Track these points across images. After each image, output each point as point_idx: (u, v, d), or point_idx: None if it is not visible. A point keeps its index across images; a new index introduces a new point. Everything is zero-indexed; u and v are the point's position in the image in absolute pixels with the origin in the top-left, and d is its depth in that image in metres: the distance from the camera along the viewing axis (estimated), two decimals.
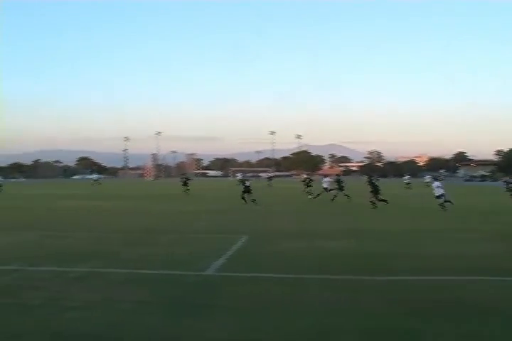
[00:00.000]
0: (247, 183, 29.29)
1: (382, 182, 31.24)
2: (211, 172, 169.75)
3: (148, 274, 9.38)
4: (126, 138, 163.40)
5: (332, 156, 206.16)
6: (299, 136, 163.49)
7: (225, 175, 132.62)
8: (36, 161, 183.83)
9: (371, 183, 26.27)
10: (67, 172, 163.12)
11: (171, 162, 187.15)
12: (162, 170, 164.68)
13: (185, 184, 40.81)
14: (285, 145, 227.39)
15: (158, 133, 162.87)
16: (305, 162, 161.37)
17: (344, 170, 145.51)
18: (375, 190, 25.85)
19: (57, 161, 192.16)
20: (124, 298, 7.58)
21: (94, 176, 76.80)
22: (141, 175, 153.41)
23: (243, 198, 28.79)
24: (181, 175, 43.93)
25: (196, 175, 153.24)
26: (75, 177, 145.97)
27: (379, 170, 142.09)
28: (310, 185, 36.75)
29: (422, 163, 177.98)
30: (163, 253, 11.73)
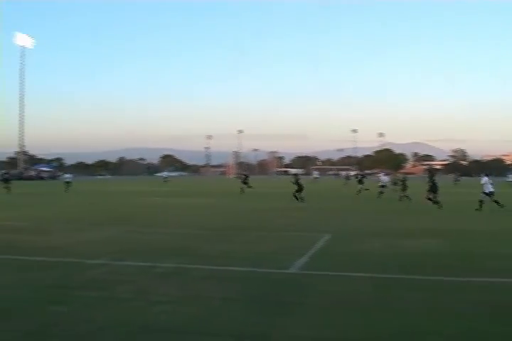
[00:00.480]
0: (299, 181, 29.24)
1: (466, 181, 30.14)
2: (292, 170, 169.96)
3: (232, 271, 9.44)
4: (209, 136, 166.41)
5: (415, 155, 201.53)
6: (381, 134, 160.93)
7: (306, 173, 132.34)
8: (121, 159, 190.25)
9: (431, 181, 25.23)
10: (150, 169, 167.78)
11: (253, 160, 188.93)
12: (244, 167, 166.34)
13: (244, 182, 40.60)
14: (367, 143, 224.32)
15: (240, 131, 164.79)
16: (387, 161, 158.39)
17: (427, 169, 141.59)
18: (433, 189, 24.84)
19: (142, 159, 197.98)
20: (210, 294, 7.66)
21: (164, 174, 78.84)
22: (223, 173, 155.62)
23: (295, 196, 28.78)
24: (240, 173, 43.18)
25: (277, 173, 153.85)
26: (157, 174, 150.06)
27: (463, 169, 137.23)
28: (362, 182, 36.81)
29: (509, 162, 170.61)
30: (246, 250, 11.81)
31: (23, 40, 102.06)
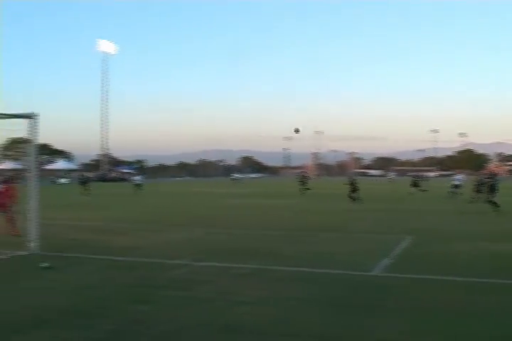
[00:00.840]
0: (355, 182, 29.16)
1: None
2: (371, 172, 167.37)
3: (310, 272, 9.38)
4: (288, 138, 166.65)
5: (499, 155, 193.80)
6: (462, 134, 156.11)
7: (385, 175, 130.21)
8: (200, 160, 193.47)
9: (490, 182, 23.97)
10: (228, 170, 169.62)
11: (332, 161, 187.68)
12: (323, 168, 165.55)
13: (303, 183, 39.77)
14: (448, 143, 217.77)
15: (319, 132, 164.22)
16: (469, 161, 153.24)
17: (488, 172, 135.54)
18: (492, 190, 23.59)
19: (220, 160, 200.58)
20: (288, 295, 7.63)
21: (236, 175, 79.70)
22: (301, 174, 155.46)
23: (351, 197, 28.61)
24: (300, 174, 42.52)
25: (356, 174, 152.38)
26: (235, 175, 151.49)
27: None
28: (417, 185, 36.04)
29: None
30: (326, 251, 11.73)
31: (105, 46, 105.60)
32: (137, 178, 44.24)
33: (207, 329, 6.10)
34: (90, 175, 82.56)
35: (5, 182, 16.62)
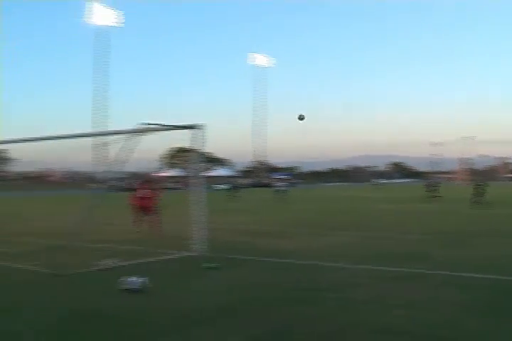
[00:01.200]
0: (481, 186, 28.28)
1: None
2: None
3: (465, 277, 9.03)
4: (436, 143, 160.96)
5: None
6: None
7: None
8: (350, 166, 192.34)
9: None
10: (378, 176, 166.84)
11: (481, 166, 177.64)
12: (472, 174, 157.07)
13: (430, 190, 37.02)
14: None
15: (468, 137, 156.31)
16: None
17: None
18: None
19: (369, 166, 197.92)
20: (444, 299, 7.40)
21: (376, 180, 78.33)
22: (449, 179, 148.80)
23: (476, 201, 27.80)
24: (429, 180, 39.61)
25: (506, 178, 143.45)
26: (384, 181, 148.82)
27: None
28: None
29: None
30: (482, 256, 11.29)
31: (259, 59, 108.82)
32: (280, 184, 43.95)
33: (364, 330, 6.08)
34: (244, 181, 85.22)
35: (147, 186, 17.78)
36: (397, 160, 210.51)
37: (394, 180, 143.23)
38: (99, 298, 7.79)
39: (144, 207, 16.37)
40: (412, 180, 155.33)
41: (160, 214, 16.42)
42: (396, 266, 10.13)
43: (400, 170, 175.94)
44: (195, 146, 12.26)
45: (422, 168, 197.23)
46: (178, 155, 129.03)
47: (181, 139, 12.28)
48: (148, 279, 8.23)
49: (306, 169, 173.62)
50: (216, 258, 10.93)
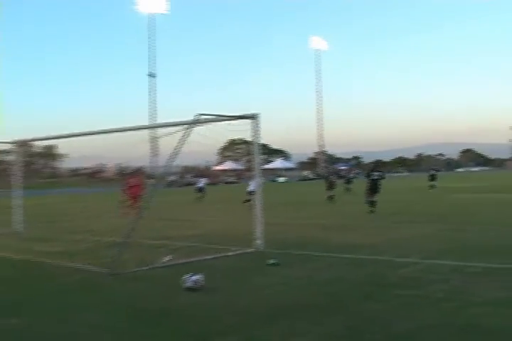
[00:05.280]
0: None
1: None
2: None
3: None
4: None
5: None
6: None
7: None
8: (419, 155, 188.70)
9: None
10: (450, 165, 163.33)
11: None
12: None
13: (432, 178, 37.51)
14: None
15: None
16: None
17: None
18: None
19: (440, 154, 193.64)
20: None
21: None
22: None
23: None
24: (431, 168, 39.38)
25: None
26: (458, 170, 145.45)
27: None
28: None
29: None
30: None
31: (318, 43, 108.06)
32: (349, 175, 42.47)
33: (446, 329, 5.99)
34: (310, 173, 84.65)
35: (135, 176, 20.82)
36: (471, 147, 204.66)
37: (469, 169, 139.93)
38: (162, 297, 7.95)
39: (133, 196, 18.94)
40: (488, 168, 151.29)
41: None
42: (475, 260, 9.91)
43: (475, 158, 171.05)
44: (253, 137, 12.31)
45: (498, 155, 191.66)
46: (234, 148, 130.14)
47: (236, 130, 12.31)
48: (205, 277, 8.35)
49: (369, 159, 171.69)
50: (279, 254, 10.99)
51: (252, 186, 26.48)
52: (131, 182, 20.32)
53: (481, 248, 11.50)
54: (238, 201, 28.47)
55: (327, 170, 36.16)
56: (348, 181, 38.51)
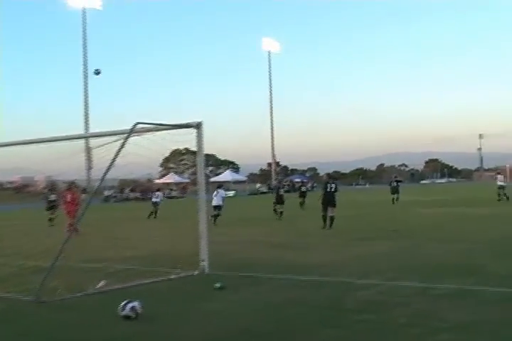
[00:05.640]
0: None
1: None
2: None
3: None
4: (480, 136, 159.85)
5: None
6: None
7: None
8: (380, 166, 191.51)
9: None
10: (414, 176, 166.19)
11: None
12: None
13: (394, 191, 38.88)
14: None
15: None
16: None
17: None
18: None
19: (404, 165, 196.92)
20: (497, 320, 7.36)
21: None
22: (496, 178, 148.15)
23: None
24: (393, 180, 40.67)
25: None
26: (423, 181, 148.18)
27: None
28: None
29: None
30: None
31: (270, 44, 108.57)
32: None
33: None
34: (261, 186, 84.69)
35: (69, 190, 21.41)
36: (435, 157, 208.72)
37: (434, 180, 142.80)
38: (95, 327, 7.81)
39: (68, 212, 20.29)
40: (455, 179, 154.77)
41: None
42: (440, 281, 10.07)
43: (441, 169, 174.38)
44: (197, 147, 12.29)
45: (464, 165, 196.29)
46: (178, 159, 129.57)
47: (179, 141, 12.28)
48: (145, 303, 8.24)
49: (327, 170, 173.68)
50: (226, 277, 10.96)
51: (216, 200, 26.79)
52: (68, 198, 20.72)
53: (445, 267, 11.70)
54: (183, 218, 28.29)
55: (276, 182, 35.56)
56: (303, 194, 38.61)
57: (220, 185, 31.39)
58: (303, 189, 39.73)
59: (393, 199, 39.03)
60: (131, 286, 10.51)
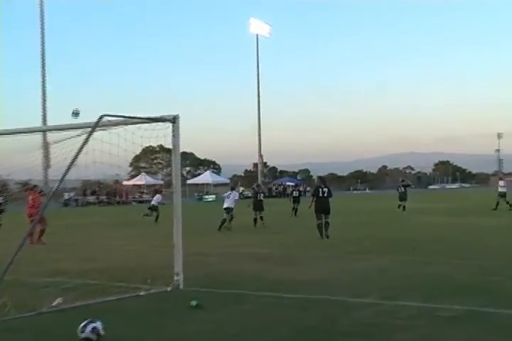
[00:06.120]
0: None
1: None
2: None
3: None
4: (499, 135, 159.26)
5: None
6: None
7: None
8: (382, 169, 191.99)
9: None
10: (422, 180, 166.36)
11: None
12: None
13: (402, 197, 38.84)
14: None
15: None
16: None
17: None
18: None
19: (409, 167, 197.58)
20: None
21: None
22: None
23: None
24: (400, 184, 40.66)
25: None
26: (432, 186, 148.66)
27: None
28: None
29: None
30: None
31: (258, 27, 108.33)
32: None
33: None
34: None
35: (30, 192, 21.81)
36: (445, 158, 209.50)
37: (446, 185, 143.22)
38: None
39: (30, 216, 20.51)
40: (470, 185, 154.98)
41: (42, 223, 19.57)
42: (448, 301, 10.08)
43: (453, 172, 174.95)
44: (173, 144, 12.22)
45: (478, 168, 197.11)
46: (151, 157, 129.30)
47: (152, 137, 12.21)
48: (110, 324, 8.20)
49: (321, 172, 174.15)
50: (202, 294, 10.96)
51: (228, 202, 27.82)
52: (30, 200, 21.13)
53: (454, 285, 11.73)
54: (156, 224, 28.31)
55: (255, 186, 35.09)
56: (296, 200, 38.48)
57: (233, 186, 32.52)
58: (295, 194, 39.69)
59: (399, 206, 38.82)
60: (93, 304, 10.45)
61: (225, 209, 27.44)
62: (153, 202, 37.01)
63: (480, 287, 11.52)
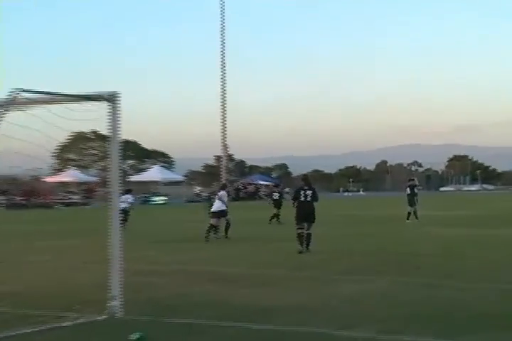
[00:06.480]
0: None
1: None
2: None
3: None
4: None
5: None
6: None
7: None
8: (381, 164, 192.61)
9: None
10: (431, 180, 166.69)
11: None
12: None
13: (412, 201, 38.52)
14: None
15: None
16: None
17: None
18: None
19: (415, 163, 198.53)
20: None
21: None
22: None
23: None
24: (408, 180, 41.09)
25: None
26: (445, 188, 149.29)
27: None
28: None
29: None
30: None
31: None
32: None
33: None
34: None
35: None
36: (459, 152, 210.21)
37: (463, 187, 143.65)
38: None
39: None
40: (494, 186, 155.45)
41: None
42: (465, 336, 10.13)
43: (470, 170, 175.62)
44: (110, 129, 12.17)
45: (505, 167, 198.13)
46: (82, 147, 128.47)
47: (84, 120, 12.13)
48: None
49: (304, 169, 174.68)
50: (146, 324, 10.95)
51: (218, 203, 28.18)
52: None
53: (471, 315, 11.68)
54: (86, 234, 28.19)
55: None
56: (277, 204, 38.50)
57: (224, 185, 32.38)
58: (275, 196, 39.66)
59: (409, 215, 38.26)
60: (1, 338, 10.39)
61: (218, 212, 27.58)
62: (122, 205, 35.11)
63: (504, 318, 11.51)
